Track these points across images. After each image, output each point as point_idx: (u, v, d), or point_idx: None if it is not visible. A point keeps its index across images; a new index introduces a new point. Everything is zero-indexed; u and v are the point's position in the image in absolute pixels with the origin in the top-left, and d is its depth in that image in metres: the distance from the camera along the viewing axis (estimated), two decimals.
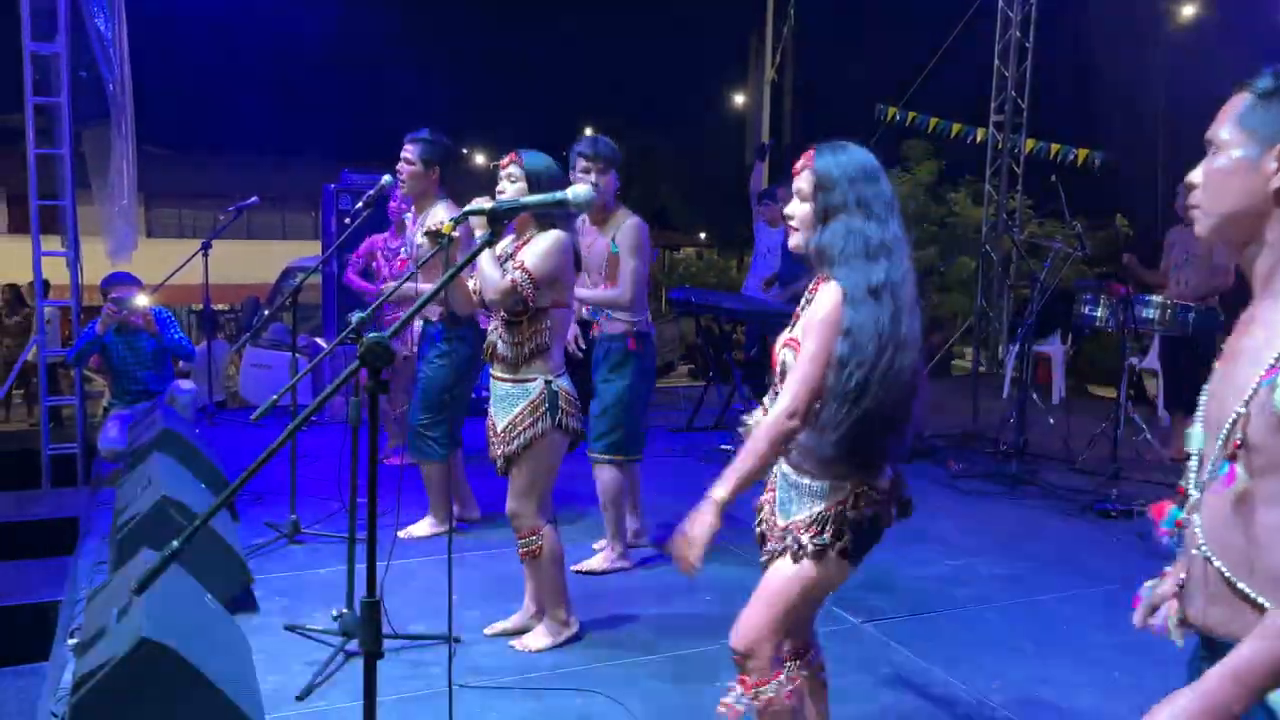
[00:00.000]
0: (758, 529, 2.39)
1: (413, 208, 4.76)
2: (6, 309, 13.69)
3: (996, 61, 9.81)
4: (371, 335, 1.95)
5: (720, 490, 2.17)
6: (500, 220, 2.44)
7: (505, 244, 3.37)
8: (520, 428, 3.28)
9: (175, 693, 2.49)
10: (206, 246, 7.20)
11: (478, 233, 3.18)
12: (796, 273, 6.69)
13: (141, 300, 5.75)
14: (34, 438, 6.40)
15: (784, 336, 2.28)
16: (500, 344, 3.31)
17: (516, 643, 3.57)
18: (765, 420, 2.23)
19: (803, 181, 2.25)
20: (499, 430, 3.35)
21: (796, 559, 2.23)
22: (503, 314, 3.29)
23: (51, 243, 6.22)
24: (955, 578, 4.37)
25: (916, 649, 3.59)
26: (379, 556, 2.02)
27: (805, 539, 2.22)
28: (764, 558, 2.35)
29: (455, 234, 3.06)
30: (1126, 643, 3.68)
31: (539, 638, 3.55)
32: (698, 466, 6.11)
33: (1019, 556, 4.67)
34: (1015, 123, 9.86)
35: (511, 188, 3.29)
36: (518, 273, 3.20)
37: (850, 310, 2.13)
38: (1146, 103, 11.94)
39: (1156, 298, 6.07)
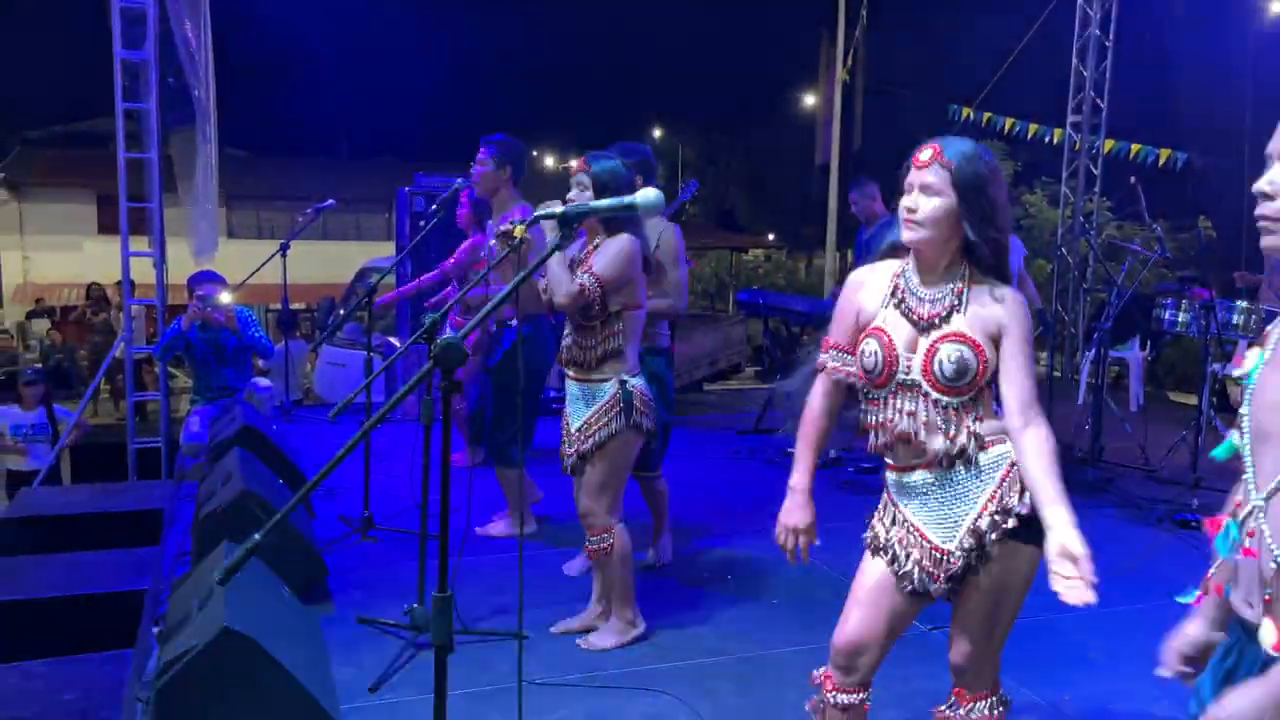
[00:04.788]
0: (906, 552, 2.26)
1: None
2: (91, 308, 14.20)
3: (1075, 60, 9.60)
4: (445, 337, 2.00)
5: (1060, 511, 2.10)
6: (571, 224, 2.46)
7: (577, 248, 3.41)
8: (595, 427, 3.33)
9: (254, 680, 2.57)
10: (285, 247, 7.39)
11: (549, 235, 3.22)
12: None
13: (225, 298, 5.91)
14: (120, 432, 6.62)
15: (948, 329, 2.15)
16: (574, 347, 3.37)
17: (583, 641, 3.60)
18: (1045, 441, 2.13)
19: (931, 175, 2.12)
20: (573, 430, 3.40)
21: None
22: (576, 318, 3.33)
23: (139, 243, 6.43)
24: None
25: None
26: (450, 553, 2.06)
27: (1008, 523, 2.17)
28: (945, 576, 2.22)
29: (527, 236, 3.11)
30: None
31: (605, 637, 3.58)
32: (762, 469, 6.10)
33: (1094, 565, 4.56)
34: (1094, 123, 9.64)
35: (580, 195, 3.34)
36: (587, 277, 3.23)
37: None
38: (1232, 101, 11.59)
39: (1241, 303, 5.90)
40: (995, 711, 2.32)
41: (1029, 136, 11.04)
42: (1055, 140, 10.38)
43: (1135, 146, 10.41)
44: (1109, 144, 9.99)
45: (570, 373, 3.42)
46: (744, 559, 4.56)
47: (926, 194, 2.12)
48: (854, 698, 2.34)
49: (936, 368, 2.15)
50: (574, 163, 3.48)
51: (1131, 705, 3.22)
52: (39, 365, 11.74)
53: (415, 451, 3.62)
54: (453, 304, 3.16)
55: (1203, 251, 8.52)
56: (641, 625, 3.63)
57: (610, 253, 3.27)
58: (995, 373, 2.16)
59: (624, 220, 3.30)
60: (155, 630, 3.39)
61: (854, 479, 5.86)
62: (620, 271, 3.26)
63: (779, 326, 7.74)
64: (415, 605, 3.46)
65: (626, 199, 2.61)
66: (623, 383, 3.33)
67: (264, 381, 6.31)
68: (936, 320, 2.17)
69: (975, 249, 2.15)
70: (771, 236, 28.95)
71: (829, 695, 2.36)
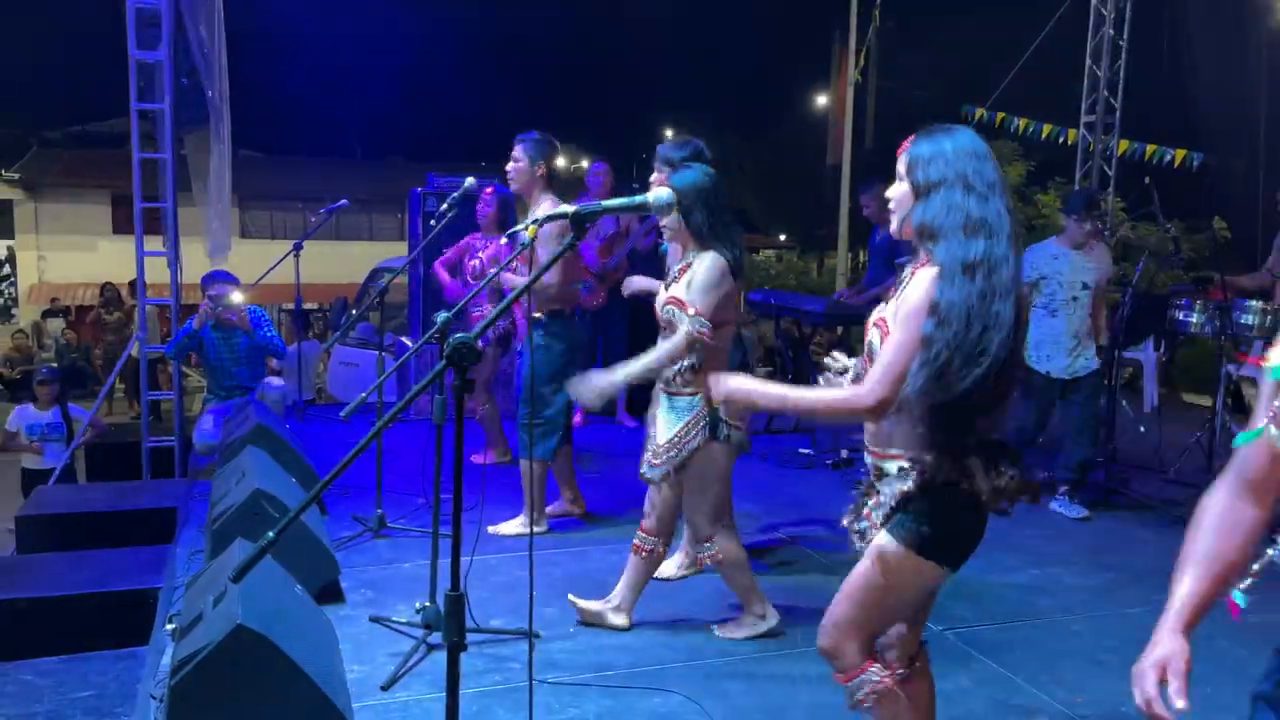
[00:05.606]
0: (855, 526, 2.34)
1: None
2: (106, 307, 14.28)
3: (1089, 60, 9.56)
4: (458, 335, 2.00)
5: (774, 395, 2.27)
6: (583, 224, 2.47)
7: (672, 261, 3.50)
8: (684, 441, 3.39)
9: (268, 678, 2.58)
10: (298, 247, 7.41)
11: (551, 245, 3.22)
12: (881, 277, 6.62)
13: (237, 297, 5.94)
14: (135, 430, 6.66)
15: (874, 315, 2.25)
16: None
17: (719, 629, 3.69)
18: (846, 394, 2.20)
19: (900, 163, 2.21)
20: (660, 442, 3.45)
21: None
22: (663, 332, 3.40)
23: (153, 243, 6.46)
24: (1040, 587, 4.28)
25: (998, 659, 3.53)
26: (462, 552, 2.06)
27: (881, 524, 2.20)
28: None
29: (537, 236, 3.12)
30: (1217, 659, 3.57)
31: (738, 628, 3.67)
32: (775, 471, 6.09)
33: (1106, 567, 4.56)
34: (1107, 123, 9.59)
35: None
36: (689, 322, 3.27)
37: (944, 285, 2.05)
38: (1247, 102, 11.52)
39: (1256, 303, 5.86)
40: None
41: (1043, 137, 10.99)
42: (1069, 141, 10.34)
43: (1151, 147, 10.35)
44: (1123, 145, 9.94)
45: (660, 385, 3.47)
46: (754, 559, 4.55)
47: (898, 180, 2.23)
48: (902, 672, 2.37)
49: (866, 346, 2.24)
50: (655, 176, 3.53)
51: None
52: (54, 365, 11.80)
53: (428, 450, 3.64)
54: (462, 305, 3.17)
55: (1217, 252, 8.47)
56: (773, 618, 3.67)
57: (700, 280, 3.30)
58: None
59: (708, 234, 3.34)
60: (169, 628, 3.40)
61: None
62: (717, 298, 3.31)
63: (791, 327, 7.71)
64: (427, 603, 3.49)
65: (638, 198, 2.62)
66: (709, 400, 3.37)
67: (277, 381, 6.34)
68: (884, 304, 2.26)
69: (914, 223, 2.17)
70: (783, 237, 28.89)
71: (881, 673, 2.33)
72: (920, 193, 2.15)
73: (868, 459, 2.30)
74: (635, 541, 3.65)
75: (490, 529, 4.67)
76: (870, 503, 2.26)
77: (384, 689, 3.20)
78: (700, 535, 3.53)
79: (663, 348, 3.34)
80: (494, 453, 6.03)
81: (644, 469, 3.54)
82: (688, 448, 3.38)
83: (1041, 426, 5.45)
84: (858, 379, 2.26)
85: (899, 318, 2.11)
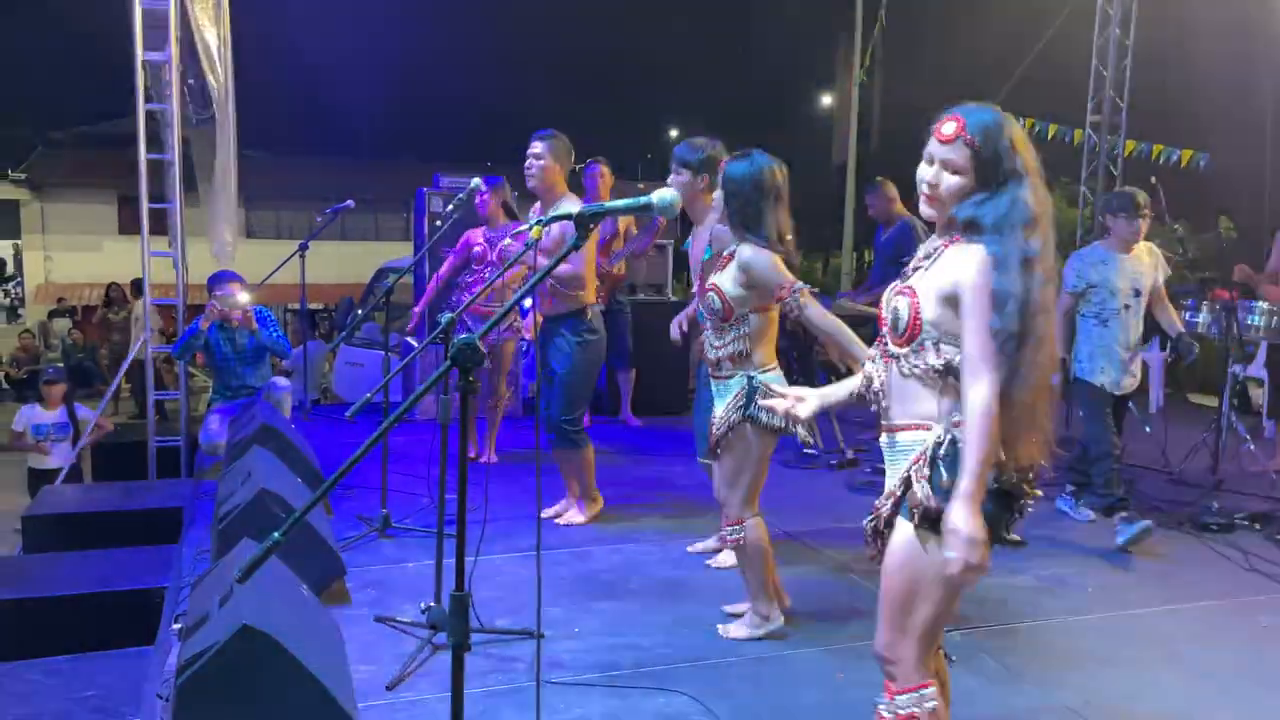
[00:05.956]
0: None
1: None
2: (111, 307, 14.32)
3: (1094, 60, 9.54)
4: (462, 336, 2.00)
5: (969, 483, 2.02)
6: (586, 224, 2.47)
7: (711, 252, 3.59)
8: (724, 420, 3.47)
9: (273, 678, 2.58)
10: (304, 247, 7.43)
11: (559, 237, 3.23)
12: (887, 276, 6.59)
13: (243, 297, 5.95)
14: (141, 430, 6.67)
15: (898, 285, 2.23)
16: (707, 346, 3.54)
17: (721, 628, 3.69)
18: (977, 409, 2.03)
19: (954, 152, 2.11)
20: (714, 424, 3.54)
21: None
22: (709, 321, 3.50)
23: (159, 243, 6.47)
24: (1046, 588, 4.27)
25: (1005, 660, 3.53)
26: (467, 552, 2.07)
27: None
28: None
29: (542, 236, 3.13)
30: (1225, 658, 3.56)
31: (739, 628, 3.67)
32: (778, 470, 6.08)
33: (1113, 568, 4.55)
34: (1113, 122, 9.58)
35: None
36: (796, 292, 3.38)
37: (1003, 278, 2.02)
38: (1253, 101, 11.48)
39: (1263, 303, 5.84)
40: (923, 708, 2.22)
41: (1049, 137, 10.98)
42: (1075, 141, 10.32)
43: (1157, 147, 10.33)
44: (1129, 145, 9.93)
45: (710, 370, 3.57)
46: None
47: (947, 170, 2.13)
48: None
49: (889, 318, 2.21)
50: (672, 177, 3.64)
51: (1152, 708, 3.20)
52: (60, 365, 11.83)
53: (433, 450, 3.64)
54: (464, 307, 3.17)
55: (1224, 252, 8.46)
56: (778, 619, 3.67)
57: (762, 272, 3.39)
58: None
59: (739, 224, 3.44)
60: (175, 628, 3.41)
61: (871, 479, 5.84)
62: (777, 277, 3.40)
63: (796, 327, 7.71)
64: (432, 604, 3.49)
65: (642, 199, 2.61)
66: (750, 378, 3.43)
67: (282, 381, 6.35)
68: (909, 274, 2.23)
69: (972, 206, 2.11)
70: (788, 236, 28.92)
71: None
72: (987, 185, 2.09)
73: (901, 438, 2.22)
74: (723, 535, 3.71)
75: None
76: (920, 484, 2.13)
77: (389, 689, 3.20)
78: (731, 517, 3.56)
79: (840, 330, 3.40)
80: (490, 450, 6.07)
81: (703, 457, 3.62)
82: (725, 425, 3.46)
83: (1113, 435, 5.01)
84: (893, 356, 2.21)
85: (970, 302, 2.06)
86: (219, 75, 6.67)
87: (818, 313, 3.39)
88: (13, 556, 4.51)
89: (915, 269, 2.23)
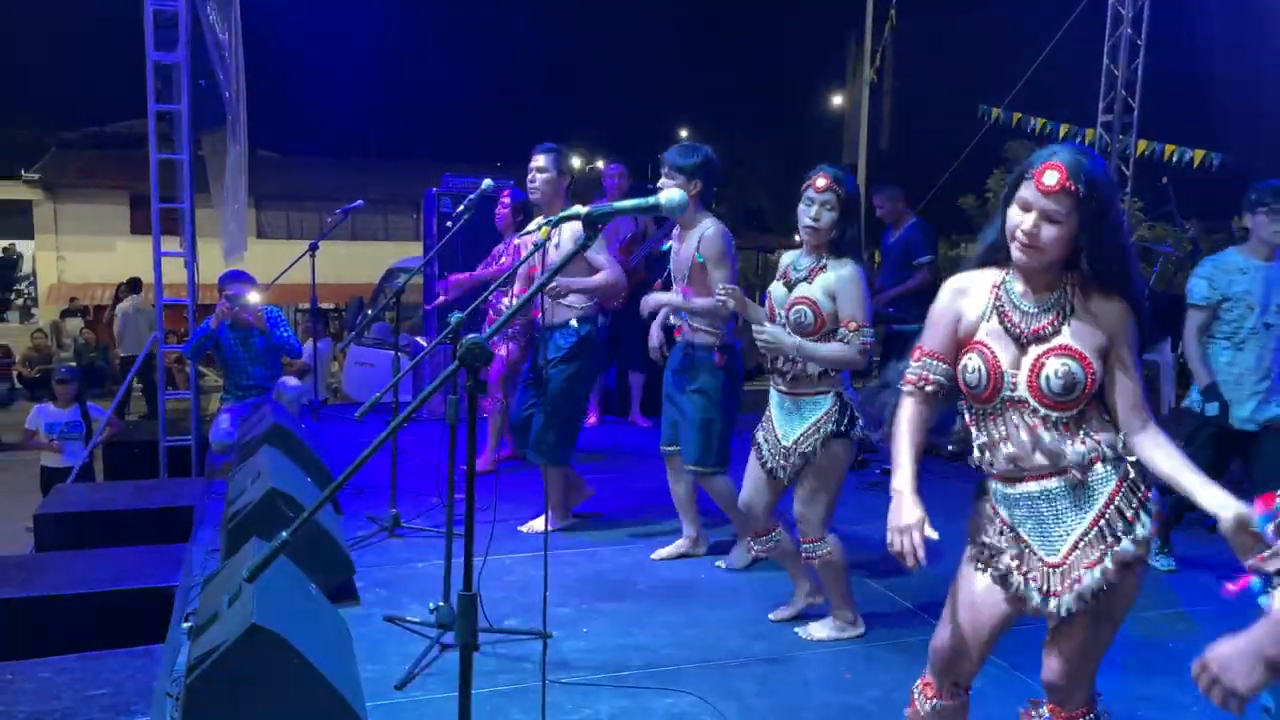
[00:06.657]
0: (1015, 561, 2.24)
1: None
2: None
3: (1106, 59, 9.50)
4: (470, 336, 2.01)
5: (1215, 491, 2.04)
6: (594, 225, 2.47)
7: (800, 268, 3.55)
8: (810, 437, 3.44)
9: (282, 677, 2.59)
10: (314, 247, 7.46)
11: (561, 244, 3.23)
12: (896, 278, 6.58)
13: (254, 297, 5.97)
14: (152, 429, 6.70)
15: (1041, 356, 2.13)
16: (784, 361, 3.49)
17: (801, 630, 3.71)
18: (1163, 445, 2.12)
19: (1057, 203, 2.02)
20: (784, 443, 3.50)
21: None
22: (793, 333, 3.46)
23: (170, 244, 6.49)
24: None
25: (1011, 660, 3.51)
26: (476, 551, 2.07)
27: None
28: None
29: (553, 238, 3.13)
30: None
31: (823, 628, 3.70)
32: None
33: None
34: (1125, 122, 9.53)
35: (825, 214, 3.44)
36: (854, 336, 3.35)
37: (1135, 321, 2.12)
38: (1267, 101, 11.43)
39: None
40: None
41: (1060, 137, 10.93)
42: (1087, 141, 10.27)
43: (1170, 147, 10.28)
44: (1142, 145, 9.88)
45: (781, 386, 3.53)
46: (763, 561, 4.54)
47: (1048, 220, 2.04)
48: (956, 701, 2.40)
49: (1044, 384, 2.10)
50: (819, 180, 3.49)
51: (1161, 711, 3.19)
52: (73, 364, 11.89)
53: (442, 450, 3.65)
54: (476, 305, 3.17)
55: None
56: (861, 626, 3.70)
57: (850, 294, 3.38)
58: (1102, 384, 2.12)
59: (847, 244, 3.43)
60: (185, 626, 3.42)
61: (881, 480, 5.83)
62: (866, 307, 3.41)
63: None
64: (441, 603, 3.50)
65: (650, 200, 2.61)
66: (839, 395, 3.44)
67: (292, 381, 6.36)
68: (1042, 334, 2.12)
69: (1091, 261, 2.08)
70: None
71: (931, 702, 2.38)
72: (1095, 226, 2.05)
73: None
74: (750, 544, 3.78)
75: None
76: (1105, 540, 2.15)
77: (398, 688, 3.21)
78: (810, 535, 3.54)
79: (834, 351, 3.37)
80: (489, 454, 6.00)
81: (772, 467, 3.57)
82: (814, 443, 3.43)
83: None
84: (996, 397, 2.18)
85: (1127, 350, 2.11)
86: (230, 75, 6.70)
87: (850, 356, 3.42)
88: (25, 555, 4.52)
89: (1045, 333, 2.12)
